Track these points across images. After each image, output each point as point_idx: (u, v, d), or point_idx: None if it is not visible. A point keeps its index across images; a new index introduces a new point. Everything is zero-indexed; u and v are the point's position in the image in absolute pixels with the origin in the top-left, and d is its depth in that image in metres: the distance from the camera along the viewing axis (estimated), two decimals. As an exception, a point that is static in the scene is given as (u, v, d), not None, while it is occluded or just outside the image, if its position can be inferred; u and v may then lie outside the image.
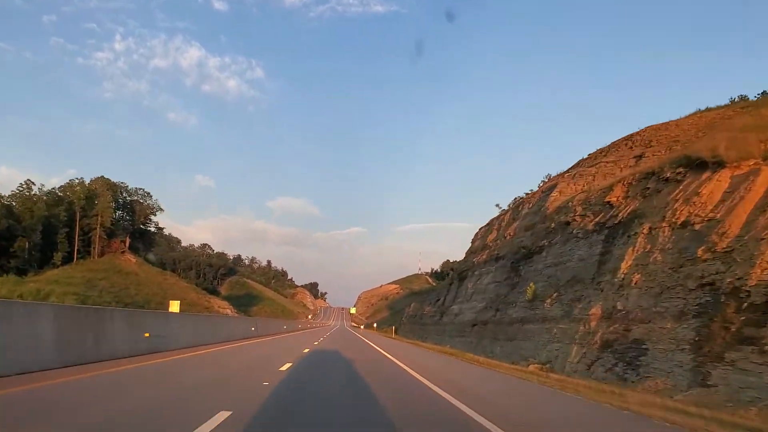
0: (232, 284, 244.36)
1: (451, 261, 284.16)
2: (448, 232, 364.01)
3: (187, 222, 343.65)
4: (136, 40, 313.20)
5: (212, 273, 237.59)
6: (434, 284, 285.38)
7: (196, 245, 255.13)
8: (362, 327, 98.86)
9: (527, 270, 30.83)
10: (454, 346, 35.98)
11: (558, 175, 38.46)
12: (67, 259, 78.10)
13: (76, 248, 78.19)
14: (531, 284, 26.65)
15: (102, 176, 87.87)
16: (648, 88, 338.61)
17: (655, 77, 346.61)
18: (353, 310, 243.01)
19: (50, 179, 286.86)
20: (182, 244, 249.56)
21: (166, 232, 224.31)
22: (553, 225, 29.48)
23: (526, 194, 42.13)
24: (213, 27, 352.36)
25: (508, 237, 39.27)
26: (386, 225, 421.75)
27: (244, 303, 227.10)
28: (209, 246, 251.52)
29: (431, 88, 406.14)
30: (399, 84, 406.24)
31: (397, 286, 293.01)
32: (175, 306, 36.00)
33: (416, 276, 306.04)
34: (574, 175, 35.67)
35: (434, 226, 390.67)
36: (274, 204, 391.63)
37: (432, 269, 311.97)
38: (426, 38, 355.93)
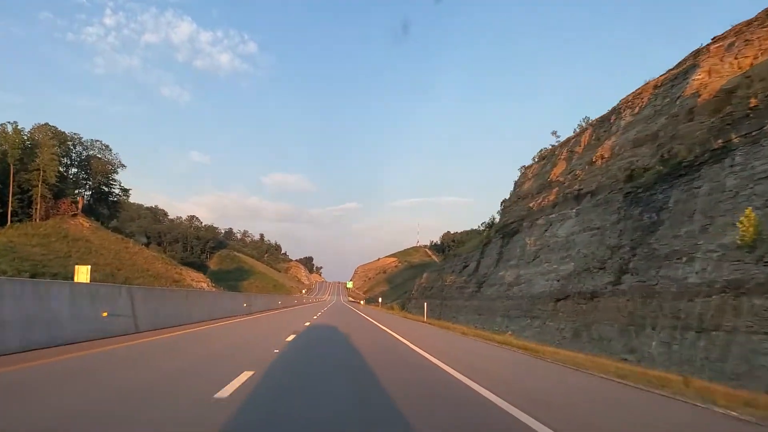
0: (222, 258, 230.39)
1: (452, 232, 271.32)
2: (442, 206, 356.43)
3: (183, 199, 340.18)
4: (127, 15, 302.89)
5: (200, 246, 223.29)
6: (434, 257, 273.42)
7: (184, 217, 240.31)
8: (362, 302, 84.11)
9: (680, 198, 16.57)
10: (520, 334, 21.79)
11: (688, 57, 23.72)
12: (2, 222, 63.42)
13: (9, 208, 63.38)
14: (747, 212, 12.34)
15: (47, 123, 72.43)
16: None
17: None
18: (350, 284, 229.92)
19: None
20: (170, 217, 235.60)
21: (150, 204, 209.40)
22: (753, 103, 15.05)
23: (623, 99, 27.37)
24: (204, 0, 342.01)
25: (598, 162, 24.94)
26: (381, 200, 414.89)
27: (234, 277, 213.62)
28: (197, 218, 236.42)
29: (425, 63, 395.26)
30: (393, 59, 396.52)
31: (395, 259, 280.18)
32: (83, 273, 21.68)
33: (415, 249, 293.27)
34: (729, 45, 20.94)
35: (428, 201, 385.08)
36: (269, 180, 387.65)
37: (431, 241, 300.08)
38: (414, 16, 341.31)
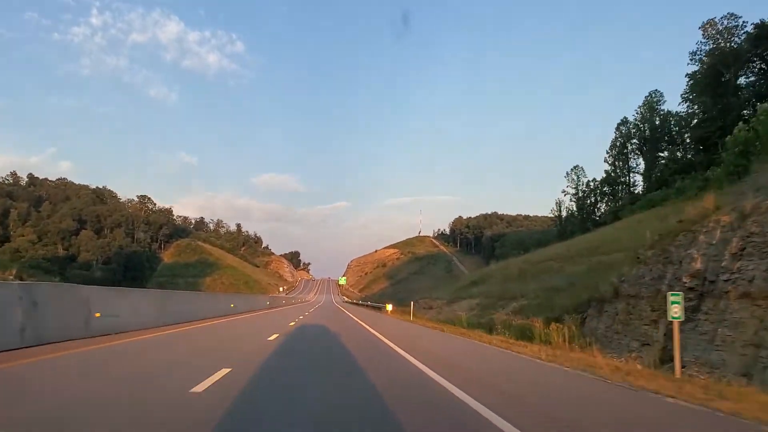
0: (181, 248, 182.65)
1: (465, 218, 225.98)
2: (433, 205, 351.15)
3: (172, 200, 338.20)
4: (113, 14, 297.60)
5: (151, 233, 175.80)
6: (443, 248, 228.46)
7: (135, 199, 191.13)
8: (389, 308, 35.55)
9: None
10: None
11: None
12: None
13: None
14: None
15: None
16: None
17: None
18: (342, 281, 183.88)
19: (30, 158, 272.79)
20: (121, 200, 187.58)
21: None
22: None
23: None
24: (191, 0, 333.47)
25: None
26: (371, 199, 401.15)
27: (193, 273, 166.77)
28: (150, 199, 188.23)
29: (415, 62, 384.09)
30: (383, 57, 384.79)
31: (396, 250, 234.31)
32: None
33: (419, 239, 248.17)
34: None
35: (419, 200, 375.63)
36: (258, 180, 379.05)
37: (438, 230, 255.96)
38: (411, 9, 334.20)
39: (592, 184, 69.04)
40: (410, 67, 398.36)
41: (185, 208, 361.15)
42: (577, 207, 67.64)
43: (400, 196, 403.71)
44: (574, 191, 67.85)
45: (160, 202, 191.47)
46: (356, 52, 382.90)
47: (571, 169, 68.09)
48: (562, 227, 75.18)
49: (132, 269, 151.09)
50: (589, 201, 67.06)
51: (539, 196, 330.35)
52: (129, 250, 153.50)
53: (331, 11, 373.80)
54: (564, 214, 75.43)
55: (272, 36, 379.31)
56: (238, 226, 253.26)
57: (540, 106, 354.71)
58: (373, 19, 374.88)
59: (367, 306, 55.51)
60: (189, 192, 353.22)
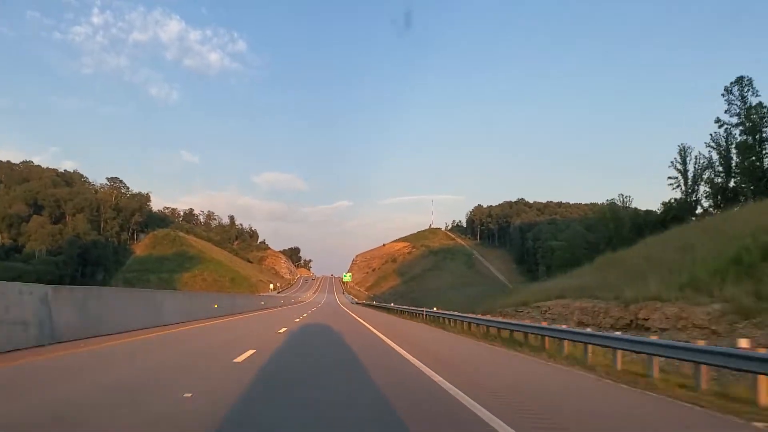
0: (157, 240, 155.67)
1: (486, 206, 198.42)
2: (439, 204, 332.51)
3: (174, 199, 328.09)
4: (114, 14, 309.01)
5: (121, 221, 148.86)
6: (461, 240, 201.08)
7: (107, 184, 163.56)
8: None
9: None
10: None
11: None
12: None
13: None
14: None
15: None
16: None
17: None
18: (347, 277, 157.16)
19: (32, 157, 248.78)
20: (93, 185, 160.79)
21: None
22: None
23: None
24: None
25: None
26: (374, 198, 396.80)
27: (169, 267, 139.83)
28: (123, 182, 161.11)
29: (417, 60, 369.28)
30: (385, 55, 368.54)
31: (408, 244, 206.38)
32: None
33: (431, 231, 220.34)
34: None
35: (424, 198, 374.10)
36: (260, 179, 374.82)
37: (453, 222, 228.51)
38: (413, 7, 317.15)
39: (756, 110, 41.67)
40: (412, 65, 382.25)
41: (187, 207, 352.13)
42: (739, 149, 40.31)
43: (404, 194, 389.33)
44: (737, 120, 40.52)
45: (163, 201, 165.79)
46: (359, 50, 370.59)
47: (732, 83, 40.77)
48: (690, 187, 48.04)
49: (92, 262, 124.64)
50: (761, 135, 39.82)
51: (566, 183, 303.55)
52: (89, 240, 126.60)
53: (333, 10, 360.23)
54: (691, 168, 48.16)
55: (274, 35, 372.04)
56: (231, 218, 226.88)
57: (550, 95, 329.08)
58: (375, 16, 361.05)
59: (414, 316, 27.69)
60: (191, 191, 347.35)
